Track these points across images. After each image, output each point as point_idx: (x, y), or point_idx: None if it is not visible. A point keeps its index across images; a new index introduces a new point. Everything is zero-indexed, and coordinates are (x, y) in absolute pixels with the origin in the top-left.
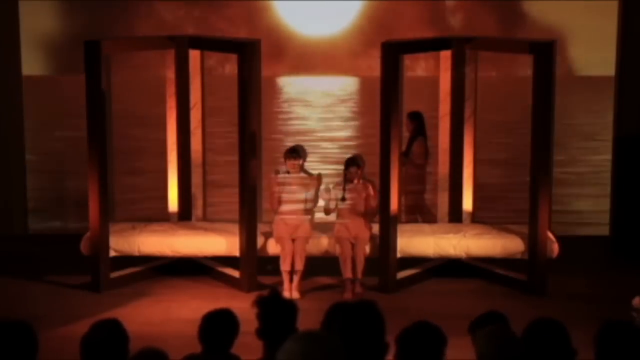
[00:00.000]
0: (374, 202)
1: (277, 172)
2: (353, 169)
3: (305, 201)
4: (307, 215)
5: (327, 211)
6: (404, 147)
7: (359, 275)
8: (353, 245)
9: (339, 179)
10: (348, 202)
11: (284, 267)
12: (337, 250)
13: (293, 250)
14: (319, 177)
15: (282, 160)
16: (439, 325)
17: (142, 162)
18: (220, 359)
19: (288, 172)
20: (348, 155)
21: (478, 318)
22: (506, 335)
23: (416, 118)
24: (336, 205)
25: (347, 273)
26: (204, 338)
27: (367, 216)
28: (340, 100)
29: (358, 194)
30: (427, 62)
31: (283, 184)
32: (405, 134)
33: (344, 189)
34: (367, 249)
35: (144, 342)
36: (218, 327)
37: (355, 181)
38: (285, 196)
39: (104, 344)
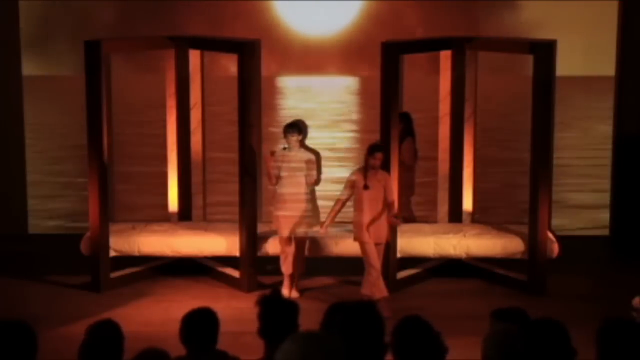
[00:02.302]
0: (390, 196)
1: (273, 153)
2: (379, 155)
3: (307, 180)
4: (307, 196)
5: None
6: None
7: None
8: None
9: (358, 167)
10: (370, 190)
11: (285, 270)
12: (362, 252)
13: (294, 252)
14: (318, 154)
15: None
16: (438, 324)
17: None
18: (206, 357)
19: (285, 148)
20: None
21: (498, 310)
22: (513, 337)
23: (404, 118)
24: (349, 196)
25: (383, 292)
26: (185, 340)
27: (388, 210)
28: (340, 100)
29: (379, 183)
30: None
31: (282, 161)
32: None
33: (365, 177)
34: (382, 257)
35: (144, 342)
36: (197, 326)
37: (378, 169)
38: (284, 174)
39: (100, 346)
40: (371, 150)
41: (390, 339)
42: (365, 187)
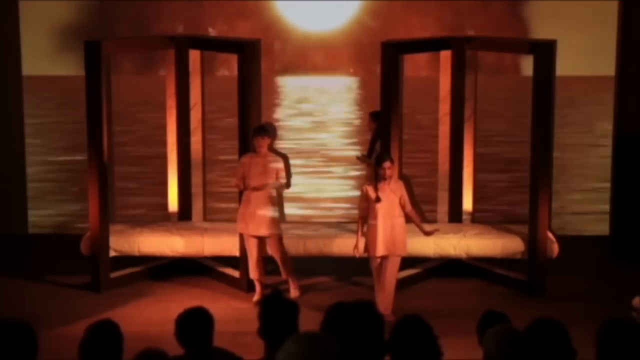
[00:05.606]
0: (407, 207)
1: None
2: (387, 165)
3: (275, 184)
4: (274, 199)
5: (363, 218)
6: (366, 148)
7: (389, 305)
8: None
9: (368, 180)
10: (383, 202)
11: (251, 274)
12: (372, 267)
13: (259, 256)
14: (287, 157)
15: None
16: (438, 324)
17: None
18: (204, 356)
19: (255, 151)
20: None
21: (484, 318)
22: (513, 335)
23: (379, 117)
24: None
25: (387, 309)
26: (181, 340)
27: (416, 223)
28: (339, 100)
29: (393, 194)
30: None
31: (249, 164)
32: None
33: (376, 189)
34: (397, 270)
35: (144, 342)
36: (192, 326)
37: (390, 179)
38: (252, 178)
39: (99, 346)
40: (378, 161)
41: (389, 335)
42: (377, 199)
